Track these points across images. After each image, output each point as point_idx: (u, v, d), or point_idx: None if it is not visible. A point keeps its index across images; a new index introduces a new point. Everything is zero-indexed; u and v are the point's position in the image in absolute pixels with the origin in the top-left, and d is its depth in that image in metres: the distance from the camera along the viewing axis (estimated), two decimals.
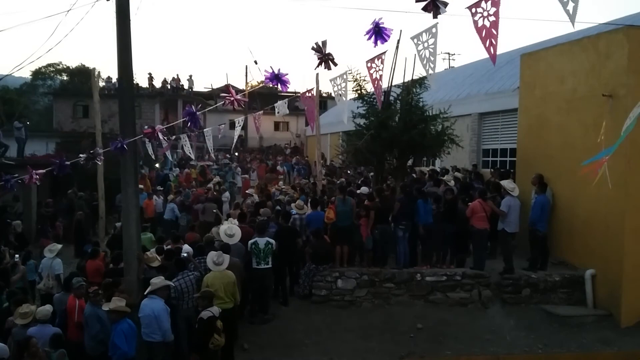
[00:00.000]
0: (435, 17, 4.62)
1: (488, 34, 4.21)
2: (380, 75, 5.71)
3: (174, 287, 8.44)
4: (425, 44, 4.93)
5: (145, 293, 7.78)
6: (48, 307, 7.71)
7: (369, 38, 5.01)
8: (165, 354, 7.71)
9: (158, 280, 7.90)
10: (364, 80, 13.62)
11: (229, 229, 10.22)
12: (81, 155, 8.73)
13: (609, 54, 10.36)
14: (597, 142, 9.61)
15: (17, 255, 11.51)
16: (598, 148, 9.21)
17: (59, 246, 11.10)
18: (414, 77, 13.47)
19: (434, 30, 4.86)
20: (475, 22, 4.27)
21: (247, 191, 17.47)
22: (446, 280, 10.88)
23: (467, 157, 17.39)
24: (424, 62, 5.02)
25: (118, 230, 11.79)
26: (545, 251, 11.35)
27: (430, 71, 5.07)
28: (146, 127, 8.45)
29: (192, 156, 14.13)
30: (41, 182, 8.79)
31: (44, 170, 8.53)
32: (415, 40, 5.01)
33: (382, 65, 5.63)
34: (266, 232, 10.39)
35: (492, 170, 15.73)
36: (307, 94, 9.21)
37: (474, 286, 10.84)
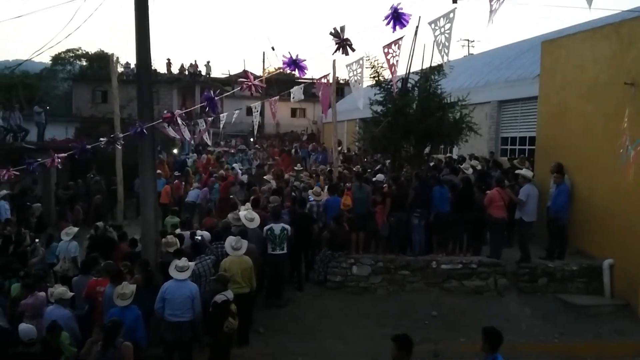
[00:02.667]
0: (455, 1, 4.60)
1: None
2: (397, 61, 5.70)
3: (193, 270, 8.52)
4: (442, 29, 4.91)
5: (181, 278, 7.81)
6: (64, 289, 7.78)
7: (388, 23, 4.99)
8: (191, 333, 7.81)
9: (185, 263, 7.98)
10: (382, 67, 13.52)
11: (249, 213, 10.30)
12: (101, 139, 8.81)
13: (631, 42, 10.16)
14: (618, 131, 9.52)
15: (37, 240, 11.69)
16: (620, 136, 9.11)
17: (75, 229, 11.24)
18: (432, 64, 13.36)
19: (451, 15, 4.84)
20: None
21: (264, 177, 17.51)
22: (462, 268, 10.86)
23: (485, 145, 17.26)
24: (440, 47, 5.01)
25: (100, 231, 10.96)
26: (565, 240, 11.26)
27: (445, 57, 5.05)
28: (165, 111, 8.51)
29: (209, 142, 14.17)
30: (63, 165, 8.90)
31: (65, 154, 8.64)
32: (433, 25, 4.99)
33: (398, 51, 5.61)
34: (281, 218, 10.44)
35: (509, 158, 15.62)
36: (322, 80, 9.17)
37: (490, 274, 10.81)
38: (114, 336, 6.42)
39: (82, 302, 8.32)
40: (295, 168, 18.44)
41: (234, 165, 20.63)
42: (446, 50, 5.01)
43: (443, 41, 4.96)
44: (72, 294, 7.88)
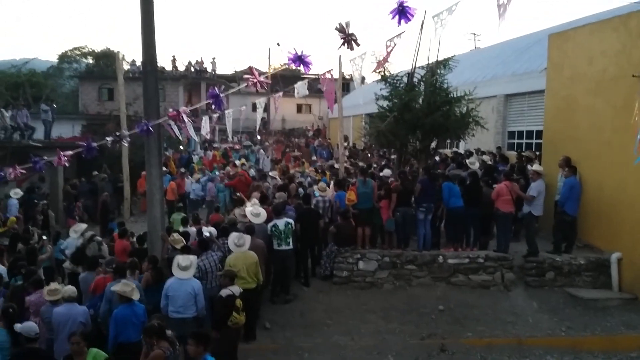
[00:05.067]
0: None
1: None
2: (392, 50, 5.75)
3: (199, 266, 8.59)
4: (443, 22, 4.95)
5: (184, 278, 7.80)
6: (73, 288, 7.78)
7: (393, 17, 4.98)
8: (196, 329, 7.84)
9: (188, 262, 7.99)
10: (385, 60, 13.44)
11: (255, 209, 10.33)
12: (107, 138, 8.84)
13: None
14: (626, 124, 9.46)
15: (44, 237, 11.76)
16: (631, 129, 9.05)
17: (84, 226, 11.31)
18: (439, 59, 13.29)
19: (453, 8, 4.86)
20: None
21: (270, 173, 17.57)
22: (469, 263, 10.85)
23: (492, 140, 17.19)
24: (435, 35, 5.11)
25: (84, 242, 10.53)
26: (573, 234, 11.21)
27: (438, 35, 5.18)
28: (171, 109, 8.51)
29: (215, 137, 14.17)
30: (69, 163, 8.93)
31: (72, 152, 8.67)
32: (436, 18, 5.00)
33: (397, 42, 5.66)
34: (283, 214, 10.45)
35: (517, 152, 15.55)
36: (326, 75, 9.13)
37: (497, 269, 10.79)
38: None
39: (89, 299, 8.36)
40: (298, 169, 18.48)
41: (237, 162, 20.71)
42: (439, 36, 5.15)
43: (439, 32, 5.04)
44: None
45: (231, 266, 8.56)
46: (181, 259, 8.00)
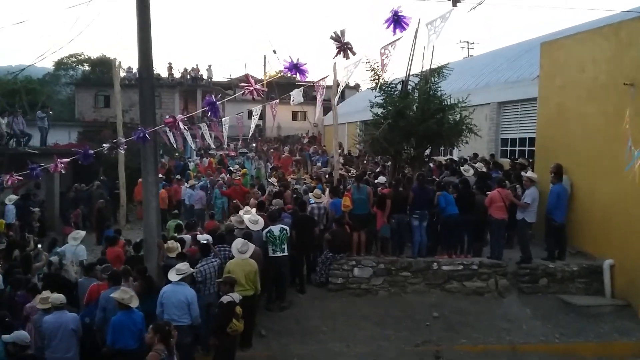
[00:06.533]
0: (455, 4, 4.68)
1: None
2: (389, 61, 5.80)
3: (200, 270, 8.65)
4: (437, 29, 5.01)
5: (175, 280, 7.83)
6: (61, 295, 7.68)
7: (388, 26, 5.05)
8: (191, 337, 7.85)
9: (185, 267, 8.02)
10: (380, 68, 13.56)
11: (253, 216, 10.37)
12: (104, 145, 8.87)
13: (630, 42, 10.21)
14: (618, 131, 9.56)
15: (39, 245, 11.75)
16: (622, 137, 9.14)
17: (83, 233, 11.34)
18: (433, 66, 13.42)
19: (447, 15, 4.93)
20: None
21: (268, 180, 17.69)
22: (463, 270, 10.91)
23: (485, 147, 17.30)
24: (429, 42, 5.17)
25: (55, 267, 10.02)
26: (563, 241, 11.29)
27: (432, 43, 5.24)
28: (167, 116, 8.56)
29: (212, 144, 14.21)
30: (66, 170, 8.96)
31: (69, 159, 8.70)
32: (429, 26, 5.07)
33: (392, 52, 5.71)
34: (278, 220, 10.49)
35: (510, 159, 15.66)
36: (321, 82, 9.18)
37: (491, 275, 10.86)
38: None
39: (84, 306, 8.37)
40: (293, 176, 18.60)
41: (232, 168, 20.82)
42: (433, 42, 5.22)
43: (434, 40, 5.11)
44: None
45: (230, 272, 8.59)
46: (179, 264, 8.06)
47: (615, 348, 9.18)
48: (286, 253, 10.25)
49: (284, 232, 10.19)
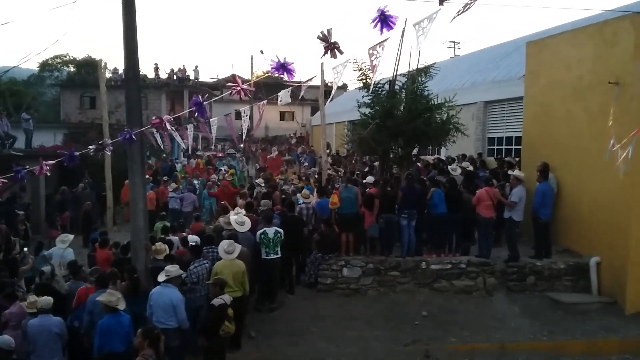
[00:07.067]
0: (441, 3, 4.69)
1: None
2: (379, 62, 5.79)
3: (194, 272, 8.62)
4: (425, 30, 5.02)
5: (161, 281, 7.81)
6: (48, 299, 7.59)
7: (375, 26, 5.04)
8: (179, 340, 7.80)
9: (173, 269, 7.95)
10: (369, 69, 13.59)
11: (239, 218, 10.32)
12: (90, 146, 8.78)
13: (615, 41, 10.31)
14: (603, 129, 9.64)
15: (25, 248, 11.60)
16: (607, 135, 9.21)
17: (71, 236, 11.24)
18: (419, 66, 13.46)
19: (434, 16, 4.94)
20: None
21: (256, 181, 17.60)
22: (451, 268, 10.95)
23: (472, 146, 17.39)
24: (418, 44, 5.19)
25: (46, 277, 9.41)
26: (548, 239, 11.37)
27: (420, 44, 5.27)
28: (154, 117, 8.48)
29: (198, 145, 14.12)
30: (51, 173, 8.85)
31: (54, 161, 8.59)
32: (417, 26, 5.08)
33: (382, 52, 5.69)
34: (273, 222, 10.46)
35: (497, 158, 15.75)
36: (309, 82, 9.14)
37: (479, 274, 10.91)
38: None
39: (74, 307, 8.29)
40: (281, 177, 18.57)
41: (222, 169, 20.75)
42: (420, 44, 5.26)
43: (422, 41, 5.11)
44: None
45: (218, 274, 8.54)
46: (169, 267, 8.00)
47: (602, 345, 9.26)
48: (279, 255, 10.19)
49: (279, 235, 10.12)
